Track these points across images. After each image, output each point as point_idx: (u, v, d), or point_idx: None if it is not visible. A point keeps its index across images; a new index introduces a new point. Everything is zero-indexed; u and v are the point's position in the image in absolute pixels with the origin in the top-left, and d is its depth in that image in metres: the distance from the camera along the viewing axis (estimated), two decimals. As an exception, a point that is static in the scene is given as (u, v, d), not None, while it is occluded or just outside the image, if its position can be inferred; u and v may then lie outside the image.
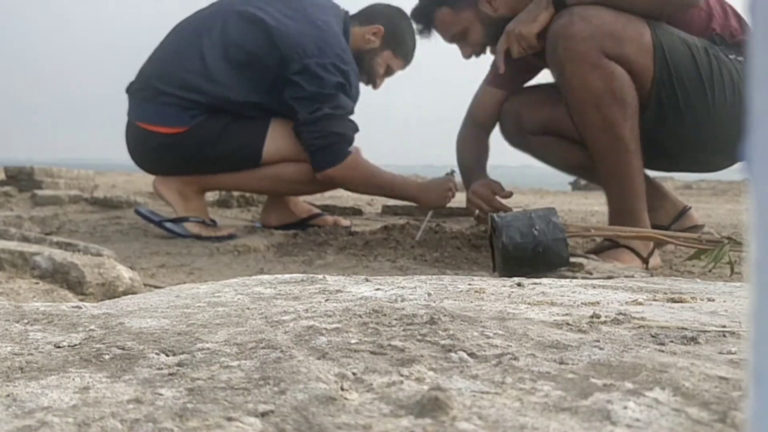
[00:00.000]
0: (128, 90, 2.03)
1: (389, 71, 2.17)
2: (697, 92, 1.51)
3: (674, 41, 1.51)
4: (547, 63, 1.60)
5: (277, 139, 1.96)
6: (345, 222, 2.25)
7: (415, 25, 1.99)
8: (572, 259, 1.31)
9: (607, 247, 1.59)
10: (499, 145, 2.18)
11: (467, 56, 1.88)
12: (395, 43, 2.11)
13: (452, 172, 2.07)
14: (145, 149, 2.01)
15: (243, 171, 2.00)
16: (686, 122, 1.55)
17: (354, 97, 1.97)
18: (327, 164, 1.93)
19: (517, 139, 1.94)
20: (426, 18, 1.89)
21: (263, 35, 1.90)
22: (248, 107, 1.95)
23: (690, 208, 1.88)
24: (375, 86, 2.19)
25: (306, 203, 2.32)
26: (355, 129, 1.98)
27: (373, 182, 2.04)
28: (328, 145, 1.91)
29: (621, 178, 1.56)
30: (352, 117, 1.97)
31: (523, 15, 1.61)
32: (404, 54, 2.15)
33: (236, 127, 1.94)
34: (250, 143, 1.96)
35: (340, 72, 1.89)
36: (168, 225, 1.96)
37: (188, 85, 1.91)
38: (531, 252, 1.22)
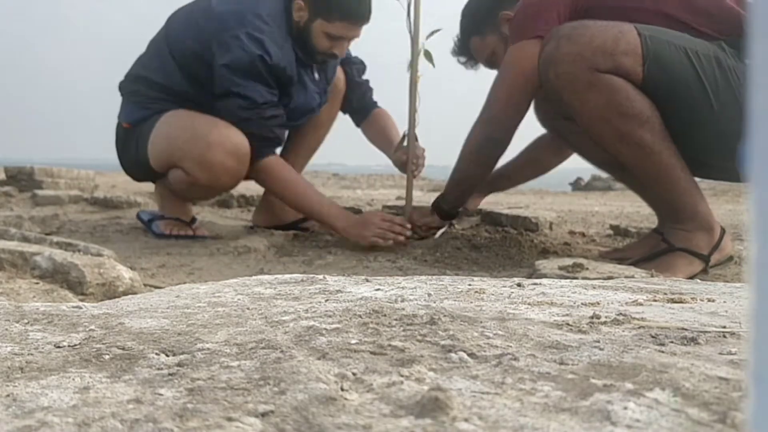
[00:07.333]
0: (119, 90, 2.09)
1: (335, 38, 1.90)
2: (696, 99, 1.43)
3: (667, 49, 1.43)
4: (545, 91, 1.57)
5: (157, 143, 1.91)
6: None
7: (459, 59, 1.99)
8: (578, 260, 1.31)
9: (661, 252, 1.49)
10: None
11: None
12: (322, 7, 1.87)
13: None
14: (115, 143, 2.06)
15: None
16: (686, 128, 1.46)
17: (276, 69, 1.84)
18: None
19: (551, 121, 1.89)
20: (465, 50, 1.98)
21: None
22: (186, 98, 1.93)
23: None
24: (335, 57, 1.98)
25: None
26: (274, 126, 1.88)
27: (287, 195, 1.90)
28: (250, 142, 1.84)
29: (656, 181, 1.50)
30: (271, 111, 1.85)
31: None
32: (339, 14, 1.86)
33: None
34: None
35: (254, 40, 1.80)
36: (152, 226, 2.01)
37: (147, 82, 1.96)
38: None
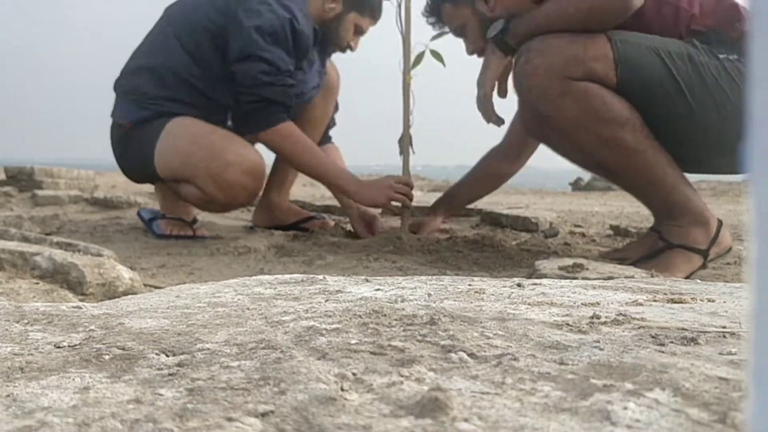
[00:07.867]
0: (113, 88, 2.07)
1: (359, 31, 2.09)
2: (671, 98, 1.43)
3: (639, 51, 1.43)
4: (523, 105, 1.57)
5: (165, 154, 1.88)
6: (330, 222, 2.24)
7: (428, 19, 1.99)
8: (575, 260, 1.30)
9: (659, 251, 1.48)
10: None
11: (469, 53, 1.88)
12: (357, 3, 2.04)
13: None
14: (111, 143, 2.04)
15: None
16: (667, 126, 1.46)
17: (299, 42, 1.89)
18: (259, 127, 1.88)
19: (535, 128, 1.81)
20: (436, 12, 1.94)
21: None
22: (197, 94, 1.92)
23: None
24: (351, 49, 2.12)
25: (294, 206, 2.32)
26: (292, 94, 1.91)
27: (303, 158, 1.91)
28: (260, 109, 1.85)
29: (645, 181, 1.49)
30: (290, 80, 1.88)
31: (480, 69, 1.67)
32: (370, 11, 2.07)
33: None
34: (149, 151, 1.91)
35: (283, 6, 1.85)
36: (152, 226, 2.00)
37: (148, 73, 1.94)
38: None
